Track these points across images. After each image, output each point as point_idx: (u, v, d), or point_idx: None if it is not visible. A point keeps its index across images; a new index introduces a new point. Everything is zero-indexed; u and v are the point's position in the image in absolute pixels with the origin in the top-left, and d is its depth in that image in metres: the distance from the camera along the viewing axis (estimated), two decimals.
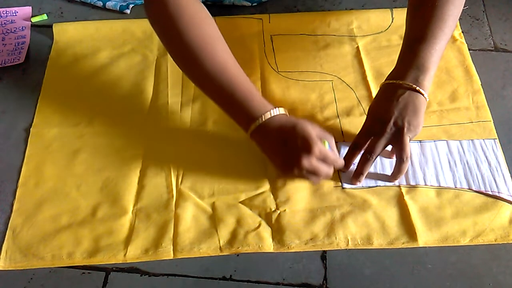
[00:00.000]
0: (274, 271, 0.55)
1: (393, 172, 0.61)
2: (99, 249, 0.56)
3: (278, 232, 0.57)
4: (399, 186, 0.61)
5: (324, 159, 0.56)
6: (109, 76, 0.73)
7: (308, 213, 0.59)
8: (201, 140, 0.66)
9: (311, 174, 0.57)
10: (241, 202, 0.60)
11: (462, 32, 0.78)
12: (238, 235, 0.57)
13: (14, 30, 0.79)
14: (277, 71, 0.73)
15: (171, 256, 0.56)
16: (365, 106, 0.69)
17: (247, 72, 0.60)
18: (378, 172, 0.62)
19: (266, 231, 0.58)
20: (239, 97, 0.58)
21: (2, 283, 0.55)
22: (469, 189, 0.60)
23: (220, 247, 0.56)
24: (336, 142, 0.64)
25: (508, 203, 0.59)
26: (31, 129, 0.67)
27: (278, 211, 0.59)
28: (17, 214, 0.59)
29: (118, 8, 0.81)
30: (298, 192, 0.60)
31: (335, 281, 0.54)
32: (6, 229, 0.58)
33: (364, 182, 0.61)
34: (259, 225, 0.58)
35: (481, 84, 0.71)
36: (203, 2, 0.74)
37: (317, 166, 0.56)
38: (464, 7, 0.62)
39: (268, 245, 0.57)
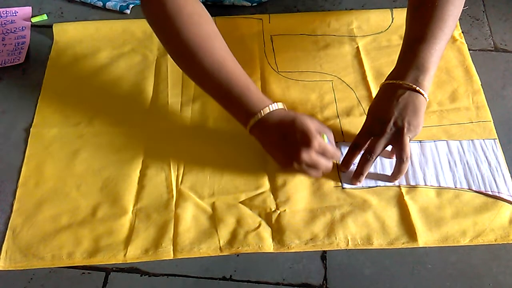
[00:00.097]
0: (274, 271, 0.55)
1: (393, 172, 0.61)
2: (99, 249, 0.56)
3: (278, 232, 0.57)
4: (399, 186, 0.61)
5: (323, 153, 0.57)
6: (109, 76, 0.73)
7: (308, 213, 0.59)
8: (201, 140, 0.66)
9: (310, 168, 0.58)
10: (241, 202, 0.60)
11: (462, 32, 0.78)
12: (238, 235, 0.57)
13: (14, 30, 0.79)
14: (277, 71, 0.73)
15: (171, 256, 0.56)
16: (365, 106, 0.69)
17: (247, 72, 0.61)
18: (378, 172, 0.62)
19: (266, 231, 0.58)
20: (237, 93, 0.58)
21: (2, 283, 0.55)
22: (469, 189, 0.60)
23: (220, 247, 0.56)
24: (336, 142, 0.64)
25: (508, 203, 0.59)
26: (31, 129, 0.67)
27: (278, 211, 0.59)
28: (17, 214, 0.59)
29: (118, 8, 0.81)
30: (298, 192, 0.60)
31: (335, 281, 0.54)
32: (6, 229, 0.58)
33: (364, 182, 0.61)
34: (259, 225, 0.58)
35: (481, 84, 0.71)
36: (203, 2, 0.74)
37: (316, 160, 0.57)
38: (464, 7, 0.62)
39: (268, 245, 0.57)
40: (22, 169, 0.63)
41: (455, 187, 0.61)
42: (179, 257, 0.56)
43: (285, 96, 0.70)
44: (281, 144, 0.58)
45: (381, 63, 0.73)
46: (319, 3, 0.83)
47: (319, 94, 0.70)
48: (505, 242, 0.56)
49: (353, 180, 0.61)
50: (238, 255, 0.56)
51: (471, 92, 0.70)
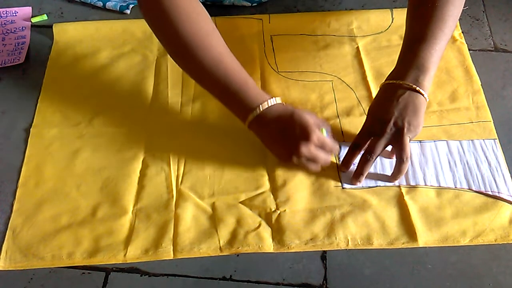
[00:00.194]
0: (274, 271, 0.55)
1: (393, 172, 0.61)
2: (99, 249, 0.56)
3: (278, 232, 0.57)
4: (399, 186, 0.61)
5: (322, 146, 0.58)
6: (109, 76, 0.73)
7: (308, 213, 0.59)
8: (201, 140, 0.66)
9: (310, 162, 0.58)
10: (241, 202, 0.60)
11: (462, 32, 0.78)
12: (238, 235, 0.57)
13: (14, 30, 0.79)
14: (277, 71, 0.73)
15: (171, 256, 0.56)
16: (365, 106, 0.69)
17: (247, 73, 0.60)
18: (378, 172, 0.62)
19: (266, 231, 0.58)
20: (235, 88, 0.59)
21: (2, 283, 0.55)
22: (469, 189, 0.60)
23: (220, 247, 0.56)
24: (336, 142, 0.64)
25: (508, 203, 0.59)
26: (31, 129, 0.67)
27: (278, 211, 0.59)
28: (17, 214, 0.59)
29: (118, 8, 0.81)
30: (298, 192, 0.60)
31: (335, 281, 0.54)
32: (6, 229, 0.58)
33: (364, 182, 0.61)
34: (259, 225, 0.58)
35: (481, 84, 0.71)
36: (202, 3, 0.74)
37: (316, 153, 0.57)
38: (464, 7, 0.62)
39: (268, 245, 0.57)
40: (22, 169, 0.63)
41: (455, 187, 0.61)
42: (179, 257, 0.56)
43: (285, 96, 0.70)
44: (280, 139, 0.58)
45: (381, 63, 0.74)
46: (319, 3, 0.83)
47: (319, 94, 0.70)
48: (505, 242, 0.56)
49: (353, 180, 0.61)
50: (238, 255, 0.56)
51: (471, 92, 0.70)
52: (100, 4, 0.82)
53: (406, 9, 0.64)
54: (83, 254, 0.56)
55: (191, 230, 0.58)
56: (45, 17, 0.81)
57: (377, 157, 0.60)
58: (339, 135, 0.65)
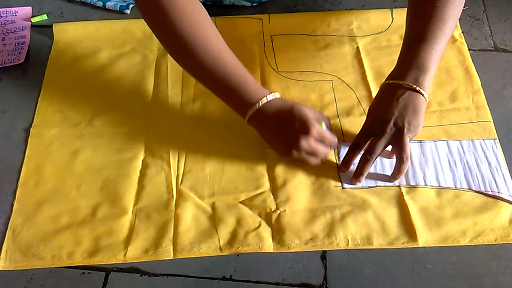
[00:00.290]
0: (274, 271, 0.55)
1: (393, 172, 0.61)
2: (99, 249, 0.56)
3: (278, 232, 0.57)
4: (399, 186, 0.61)
5: (321, 140, 0.59)
6: (109, 76, 0.73)
7: (308, 213, 0.59)
8: (201, 140, 0.66)
9: (310, 156, 0.59)
10: (241, 202, 0.60)
11: (462, 32, 0.78)
12: (238, 235, 0.57)
13: (14, 30, 0.79)
14: (277, 71, 0.73)
15: (171, 256, 0.56)
16: (365, 106, 0.69)
17: None
18: (378, 172, 0.62)
19: (266, 231, 0.58)
20: (235, 84, 0.59)
21: (2, 283, 0.55)
22: (469, 189, 0.60)
23: (220, 247, 0.56)
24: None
25: (508, 203, 0.59)
26: (31, 129, 0.67)
27: (278, 211, 0.59)
28: (17, 214, 0.59)
29: (118, 8, 0.81)
30: (298, 192, 0.60)
31: (335, 281, 0.54)
32: (6, 229, 0.58)
33: (364, 182, 0.61)
34: (259, 225, 0.58)
35: (481, 84, 0.71)
36: (202, 3, 0.74)
37: (315, 147, 0.58)
38: (464, 7, 0.62)
39: (268, 245, 0.57)
40: (22, 169, 0.63)
41: (455, 187, 0.61)
42: (179, 257, 0.56)
43: (285, 96, 0.69)
44: (280, 133, 0.59)
45: (381, 63, 0.73)
46: (319, 3, 0.83)
47: (319, 94, 0.70)
48: (505, 242, 0.56)
49: (353, 180, 0.61)
50: (238, 255, 0.56)
51: (471, 92, 0.70)
52: (100, 4, 0.82)
53: (406, 9, 0.64)
54: (83, 254, 0.56)
55: (191, 230, 0.58)
56: (45, 17, 0.81)
57: (377, 157, 0.60)
58: (339, 135, 0.65)
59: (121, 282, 0.55)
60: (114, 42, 0.77)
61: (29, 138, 0.66)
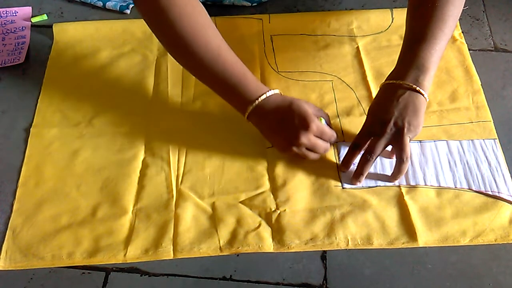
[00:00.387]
0: (274, 271, 0.55)
1: (393, 172, 0.61)
2: (99, 249, 0.56)
3: (278, 232, 0.57)
4: (399, 186, 0.61)
5: (321, 135, 0.59)
6: (109, 76, 0.73)
7: (308, 213, 0.59)
8: (201, 140, 0.66)
9: (309, 151, 0.59)
10: (241, 202, 0.60)
11: (462, 32, 0.78)
12: (238, 235, 0.57)
13: (14, 30, 0.79)
14: (277, 71, 0.73)
15: (171, 256, 0.56)
16: (365, 106, 0.69)
17: None
18: (378, 172, 0.62)
19: (266, 231, 0.58)
20: (234, 81, 0.59)
21: (2, 283, 0.55)
22: (469, 189, 0.60)
23: (220, 247, 0.56)
24: (336, 142, 0.64)
25: (508, 203, 0.59)
26: (31, 129, 0.67)
27: (278, 211, 0.59)
28: (17, 214, 0.59)
29: (118, 8, 0.81)
30: (298, 192, 0.60)
31: (335, 281, 0.54)
32: (6, 229, 0.58)
33: (364, 182, 0.61)
34: (259, 225, 0.58)
35: (481, 84, 0.71)
36: (202, 2, 0.74)
37: (315, 142, 0.58)
38: (464, 7, 0.62)
39: (268, 245, 0.57)
40: (22, 169, 0.63)
41: (455, 187, 0.61)
42: (179, 257, 0.56)
43: None
44: (279, 129, 0.59)
45: (381, 63, 0.74)
46: (319, 3, 0.83)
47: (319, 94, 0.70)
48: (505, 242, 0.56)
49: (353, 180, 0.61)
50: (238, 255, 0.56)
51: (471, 92, 0.70)
52: (100, 4, 0.82)
53: (406, 9, 0.64)
54: (83, 254, 0.56)
55: (191, 230, 0.58)
56: (45, 17, 0.81)
57: (377, 157, 0.60)
58: (339, 135, 0.65)
59: (121, 282, 0.55)
60: (114, 42, 0.77)
61: (29, 138, 0.66)
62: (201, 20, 0.60)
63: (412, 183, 0.61)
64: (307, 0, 0.83)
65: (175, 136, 0.66)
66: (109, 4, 0.82)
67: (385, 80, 0.61)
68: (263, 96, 0.59)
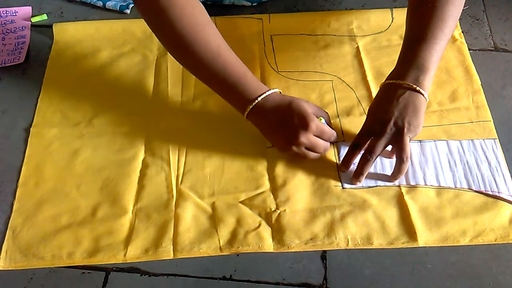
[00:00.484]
0: (274, 271, 0.55)
1: (393, 172, 0.61)
2: (99, 249, 0.56)
3: (278, 232, 0.57)
4: (399, 186, 0.61)
5: (321, 134, 0.59)
6: (109, 76, 0.73)
7: (308, 213, 0.59)
8: (201, 140, 0.66)
9: (309, 150, 0.59)
10: (241, 202, 0.60)
11: (462, 32, 0.78)
12: (238, 235, 0.57)
13: (14, 30, 0.79)
14: (277, 71, 0.73)
15: (171, 256, 0.56)
16: (365, 106, 0.69)
17: None
18: (378, 172, 0.62)
19: (266, 231, 0.58)
20: (233, 80, 0.59)
21: (2, 283, 0.55)
22: (469, 189, 0.60)
23: (220, 247, 0.56)
24: (336, 142, 0.64)
25: (508, 203, 0.59)
26: (31, 129, 0.67)
27: (278, 211, 0.59)
28: (17, 214, 0.59)
29: (118, 8, 0.81)
30: (298, 192, 0.60)
31: (335, 281, 0.54)
32: (6, 229, 0.58)
33: (364, 182, 0.61)
34: (259, 225, 0.58)
35: (481, 84, 0.71)
36: (202, 2, 0.74)
37: (315, 141, 0.58)
38: (464, 7, 0.62)
39: (268, 245, 0.57)
40: (22, 169, 0.63)
41: (455, 187, 0.61)
42: (179, 257, 0.56)
43: None
44: (279, 128, 0.59)
45: (381, 63, 0.74)
46: (319, 3, 0.83)
47: (319, 94, 0.70)
48: (505, 242, 0.56)
49: (353, 180, 0.61)
50: (238, 255, 0.56)
51: (471, 92, 0.70)
52: (100, 4, 0.82)
53: (406, 9, 0.64)
54: (83, 254, 0.56)
55: (191, 230, 0.58)
56: (45, 17, 0.81)
57: (377, 157, 0.60)
58: (339, 135, 0.65)
59: (121, 282, 0.55)
60: (114, 42, 0.77)
61: (29, 138, 0.66)
62: (201, 19, 0.60)
63: (412, 183, 0.61)
64: (307, 0, 0.83)
65: (175, 136, 0.66)
66: (109, 4, 0.82)
67: (385, 80, 0.61)
68: (263, 95, 0.59)
